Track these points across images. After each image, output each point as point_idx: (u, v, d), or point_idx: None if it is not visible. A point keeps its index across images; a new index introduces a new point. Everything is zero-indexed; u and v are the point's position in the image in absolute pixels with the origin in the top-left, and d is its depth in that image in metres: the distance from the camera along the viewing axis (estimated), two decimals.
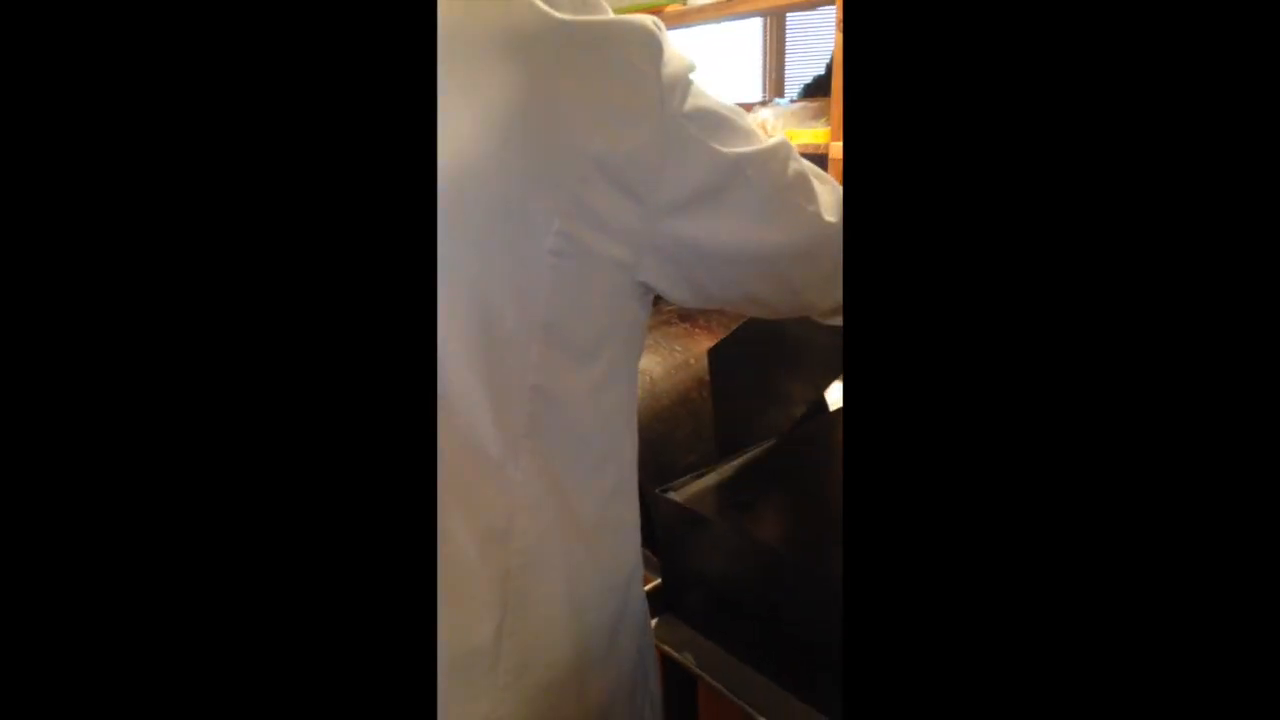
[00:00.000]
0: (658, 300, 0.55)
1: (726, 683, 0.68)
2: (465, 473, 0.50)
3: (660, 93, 0.46)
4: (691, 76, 0.48)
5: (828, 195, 0.56)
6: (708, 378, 0.84)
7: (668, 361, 0.97)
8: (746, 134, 0.50)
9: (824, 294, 0.60)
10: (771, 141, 0.52)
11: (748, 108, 1.39)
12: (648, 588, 0.68)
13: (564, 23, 0.44)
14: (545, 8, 0.44)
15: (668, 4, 1.58)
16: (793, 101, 1.53)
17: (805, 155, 1.26)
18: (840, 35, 1.02)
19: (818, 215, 0.55)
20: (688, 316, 1.07)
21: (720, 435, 0.83)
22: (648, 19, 0.46)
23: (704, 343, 1.00)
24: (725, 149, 0.48)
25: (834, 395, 1.02)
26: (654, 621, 0.74)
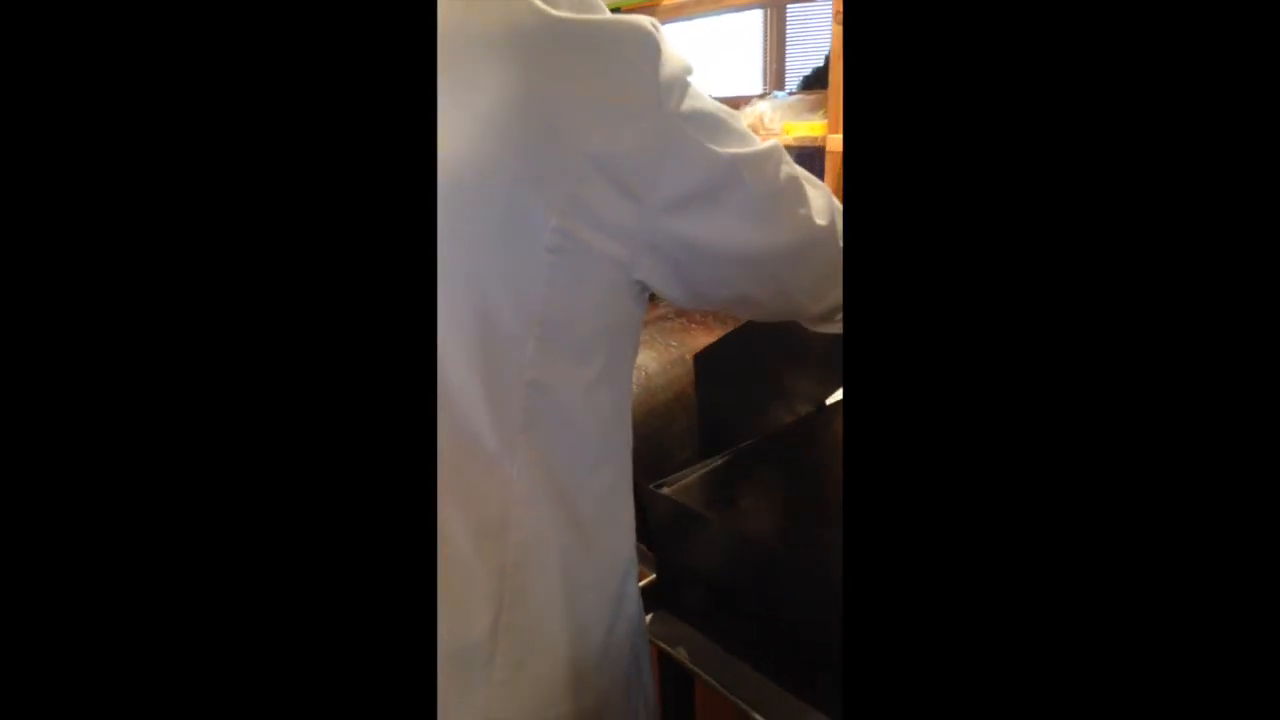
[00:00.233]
0: (653, 296, 0.55)
1: (722, 679, 0.69)
2: (462, 468, 0.50)
3: (658, 93, 0.46)
4: (689, 78, 0.48)
5: (819, 199, 0.57)
6: None
7: (663, 357, 0.97)
8: (741, 136, 0.51)
9: (814, 297, 0.61)
10: (765, 145, 0.53)
11: (746, 101, 1.38)
12: (642, 583, 0.69)
13: (563, 21, 0.44)
14: (544, 7, 0.43)
15: None
16: (790, 94, 1.52)
17: (803, 147, 1.25)
18: (837, 28, 1.01)
19: (809, 218, 0.55)
20: (684, 312, 1.07)
21: (701, 447, 0.83)
22: (646, 19, 0.46)
23: (700, 338, 1.01)
24: (722, 150, 0.49)
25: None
26: (648, 617, 0.74)
